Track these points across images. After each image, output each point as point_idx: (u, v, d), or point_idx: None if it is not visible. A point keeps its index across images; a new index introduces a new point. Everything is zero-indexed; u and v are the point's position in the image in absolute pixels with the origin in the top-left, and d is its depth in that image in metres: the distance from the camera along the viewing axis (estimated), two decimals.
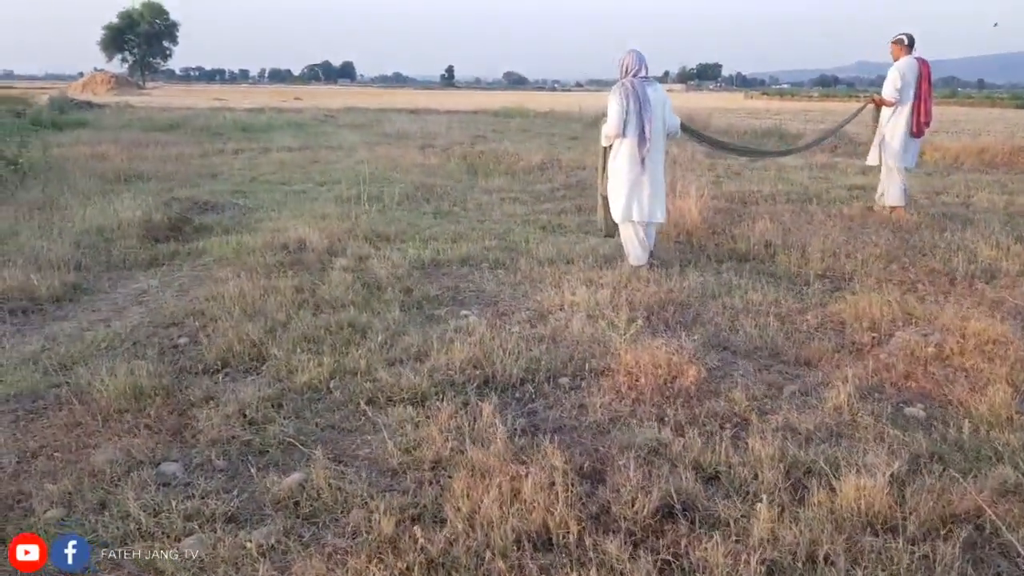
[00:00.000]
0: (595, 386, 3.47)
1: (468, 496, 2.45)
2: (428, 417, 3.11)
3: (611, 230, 5.95)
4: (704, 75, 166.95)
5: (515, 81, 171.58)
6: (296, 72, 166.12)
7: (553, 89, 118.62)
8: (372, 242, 6.36)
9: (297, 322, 4.24)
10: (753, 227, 6.53)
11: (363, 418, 3.19)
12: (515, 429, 2.98)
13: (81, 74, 69.69)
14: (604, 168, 5.73)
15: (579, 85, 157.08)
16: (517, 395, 3.43)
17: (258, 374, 3.67)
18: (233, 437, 2.98)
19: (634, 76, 5.42)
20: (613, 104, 5.37)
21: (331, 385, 3.48)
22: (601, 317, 4.31)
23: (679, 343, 3.70)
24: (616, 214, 5.61)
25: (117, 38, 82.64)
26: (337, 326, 4.17)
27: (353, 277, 5.12)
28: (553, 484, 2.44)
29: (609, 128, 5.45)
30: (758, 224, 6.59)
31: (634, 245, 5.64)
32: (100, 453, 2.83)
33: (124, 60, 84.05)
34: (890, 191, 7.62)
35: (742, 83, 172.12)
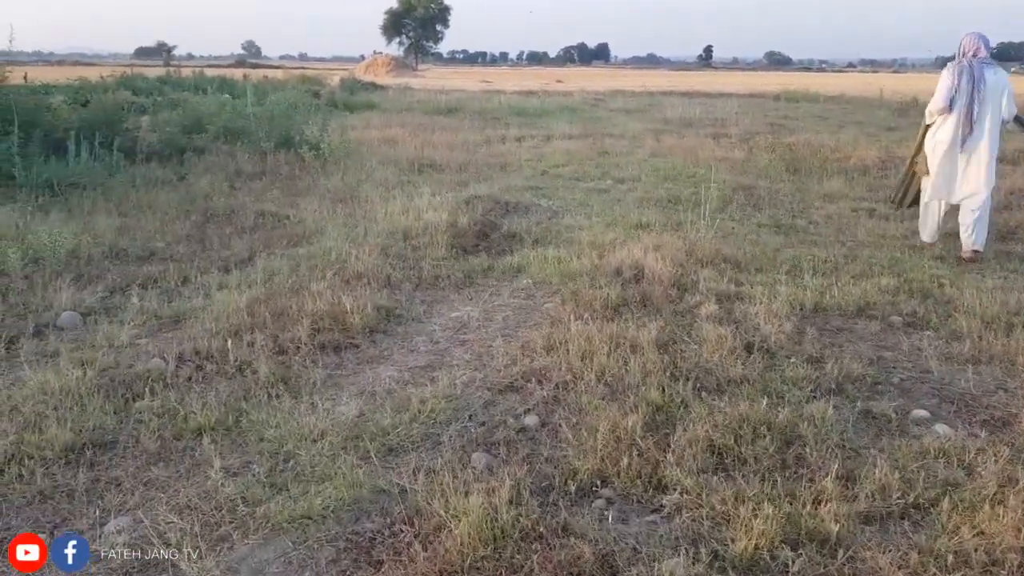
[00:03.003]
0: None
1: None
2: None
3: (903, 202, 6.09)
4: (1003, 56, 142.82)
5: (777, 61, 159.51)
6: (552, 54, 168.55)
7: (821, 69, 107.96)
8: (722, 271, 4.96)
9: (682, 412, 2.96)
10: None
11: None
12: None
13: (362, 56, 75.66)
14: (921, 144, 5.66)
15: (851, 65, 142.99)
16: None
17: (658, 512, 2.43)
18: None
19: (973, 57, 5.29)
20: (943, 80, 5.33)
21: (793, 568, 2.13)
22: None
23: None
24: (926, 191, 5.64)
25: (396, 22, 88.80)
26: (748, 427, 2.82)
27: (732, 335, 3.73)
28: None
29: (934, 104, 5.40)
30: None
31: (929, 223, 5.72)
32: None
33: (400, 43, 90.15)
34: None
35: None
